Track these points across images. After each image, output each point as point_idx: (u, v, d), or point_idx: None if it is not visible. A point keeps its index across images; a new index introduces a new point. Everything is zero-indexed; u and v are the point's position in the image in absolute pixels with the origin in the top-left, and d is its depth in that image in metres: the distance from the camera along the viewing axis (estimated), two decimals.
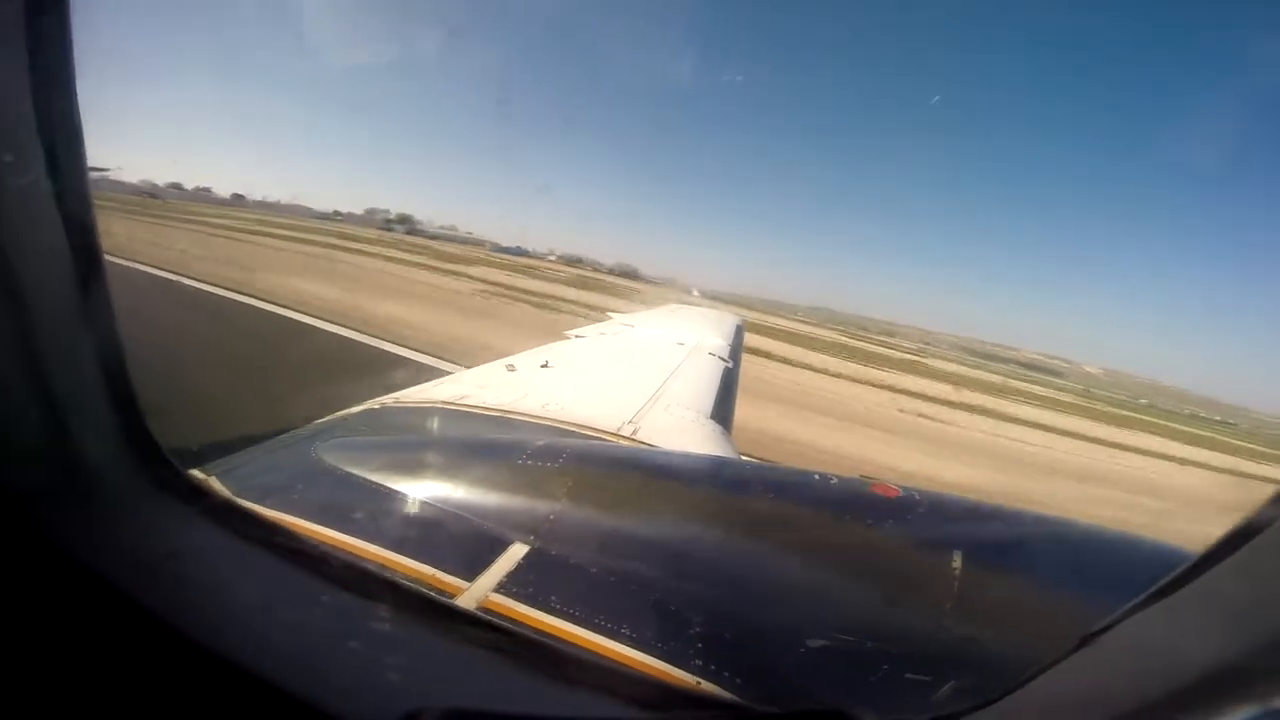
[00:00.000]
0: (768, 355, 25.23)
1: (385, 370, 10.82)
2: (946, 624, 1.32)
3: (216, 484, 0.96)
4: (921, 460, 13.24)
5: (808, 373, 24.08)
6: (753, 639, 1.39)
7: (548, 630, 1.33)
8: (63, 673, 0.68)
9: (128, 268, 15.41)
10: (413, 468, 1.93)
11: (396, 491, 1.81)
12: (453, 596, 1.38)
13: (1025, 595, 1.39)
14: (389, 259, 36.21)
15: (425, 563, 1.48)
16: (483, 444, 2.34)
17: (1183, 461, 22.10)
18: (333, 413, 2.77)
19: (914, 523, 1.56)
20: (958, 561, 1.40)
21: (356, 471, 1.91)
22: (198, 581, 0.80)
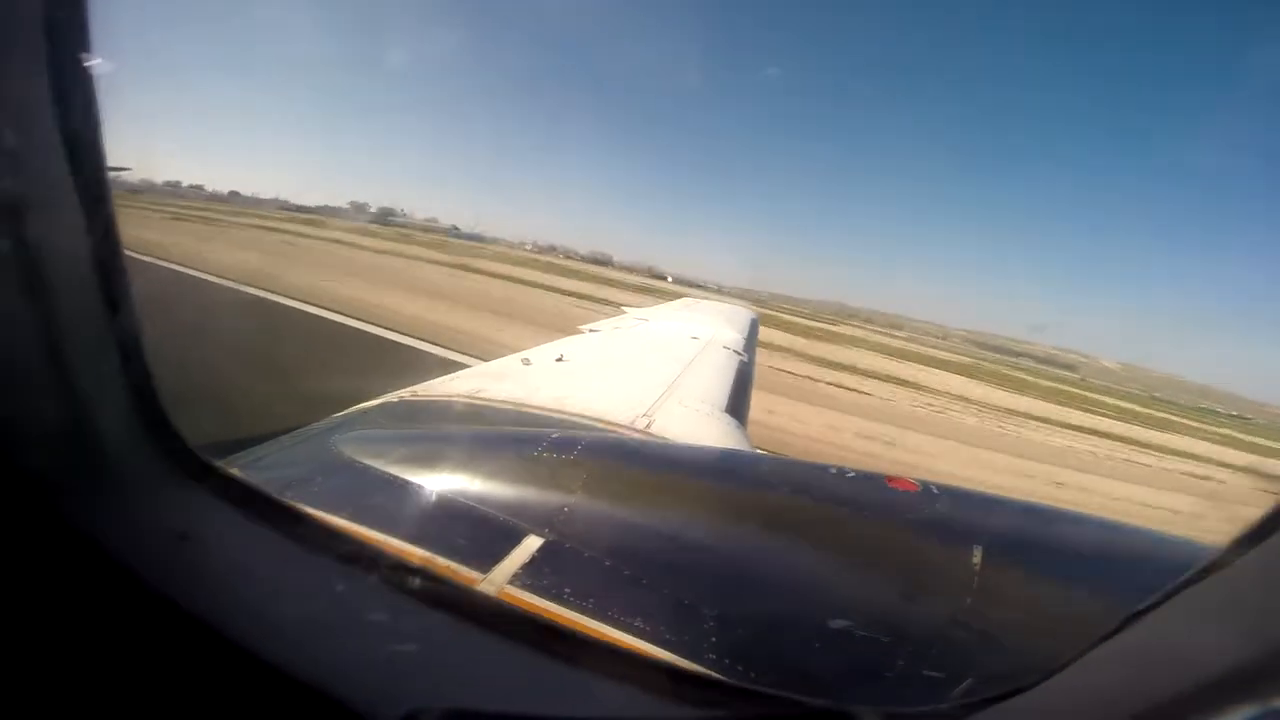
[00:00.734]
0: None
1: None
2: (965, 619, 1.30)
3: (235, 473, 0.98)
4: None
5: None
6: (767, 632, 1.38)
7: (561, 622, 1.33)
8: (77, 652, 0.70)
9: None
10: (429, 460, 1.95)
11: (413, 484, 1.83)
12: (468, 588, 1.39)
13: (1045, 591, 1.37)
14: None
15: (441, 554, 1.50)
16: (498, 437, 2.35)
17: (1190, 456, 21.80)
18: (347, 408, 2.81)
19: (932, 517, 1.54)
20: (978, 556, 1.37)
21: (374, 464, 1.93)
22: (212, 565, 0.81)
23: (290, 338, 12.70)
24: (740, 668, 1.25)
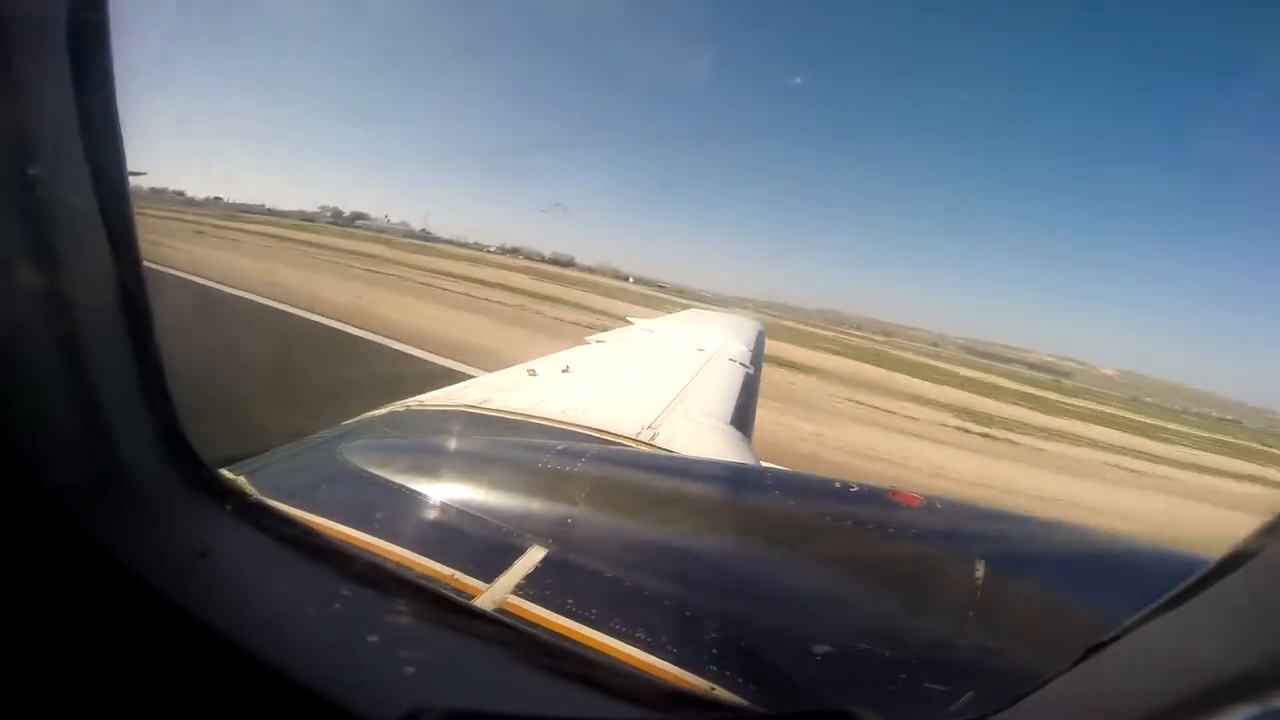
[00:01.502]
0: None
1: None
2: (968, 633, 1.30)
3: (245, 484, 0.99)
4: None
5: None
6: (769, 646, 1.38)
7: (563, 633, 1.34)
8: (96, 667, 0.71)
9: None
10: (435, 470, 1.96)
11: (419, 493, 1.85)
12: (472, 597, 1.40)
13: (1048, 604, 1.36)
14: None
15: (445, 563, 1.51)
16: (503, 448, 2.37)
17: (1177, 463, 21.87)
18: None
19: (936, 531, 1.54)
20: (981, 570, 1.37)
21: (380, 473, 1.95)
22: (227, 579, 0.83)
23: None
24: (741, 680, 1.25)
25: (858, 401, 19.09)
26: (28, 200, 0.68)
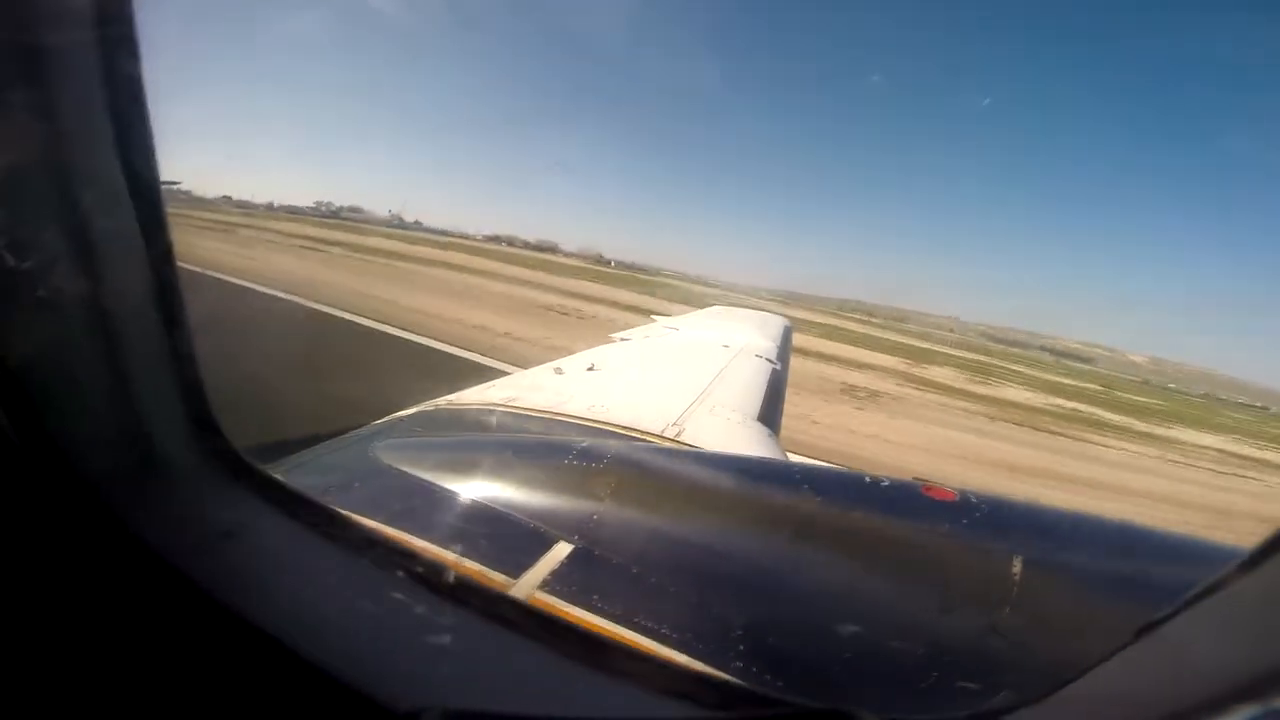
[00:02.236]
0: None
1: None
2: (1003, 630, 1.26)
3: (277, 476, 1.03)
4: None
5: None
6: (797, 643, 1.36)
7: (589, 628, 1.34)
8: (122, 643, 0.75)
9: None
10: (463, 467, 1.99)
11: (447, 490, 1.87)
12: (498, 591, 1.41)
13: (1085, 600, 1.31)
14: None
15: (472, 558, 1.53)
16: (530, 445, 2.39)
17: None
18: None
19: (970, 526, 1.49)
20: (1018, 566, 1.33)
21: (410, 470, 1.99)
22: (251, 562, 0.85)
23: None
24: (768, 677, 1.24)
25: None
26: (65, 204, 0.72)
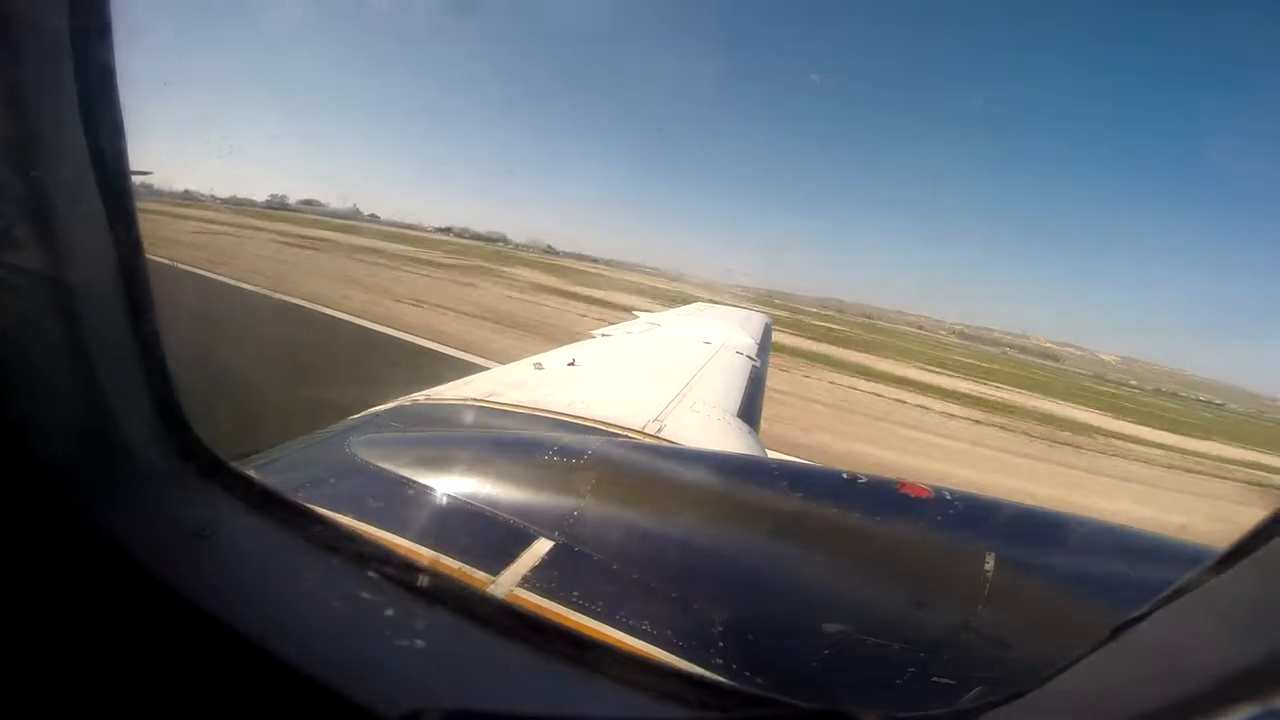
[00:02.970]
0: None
1: None
2: (977, 626, 1.28)
3: (250, 474, 1.00)
4: None
5: None
6: (776, 639, 1.37)
7: (570, 625, 1.33)
8: (86, 645, 0.72)
9: None
10: (441, 463, 1.97)
11: (425, 486, 1.85)
12: (478, 590, 1.40)
13: (1058, 598, 1.35)
14: None
15: (451, 555, 1.51)
16: (509, 441, 2.37)
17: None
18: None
19: (945, 523, 1.52)
20: (990, 563, 1.36)
21: (387, 466, 1.95)
22: (224, 562, 0.83)
23: None
24: (748, 674, 1.25)
25: None
26: (31, 188, 0.69)
